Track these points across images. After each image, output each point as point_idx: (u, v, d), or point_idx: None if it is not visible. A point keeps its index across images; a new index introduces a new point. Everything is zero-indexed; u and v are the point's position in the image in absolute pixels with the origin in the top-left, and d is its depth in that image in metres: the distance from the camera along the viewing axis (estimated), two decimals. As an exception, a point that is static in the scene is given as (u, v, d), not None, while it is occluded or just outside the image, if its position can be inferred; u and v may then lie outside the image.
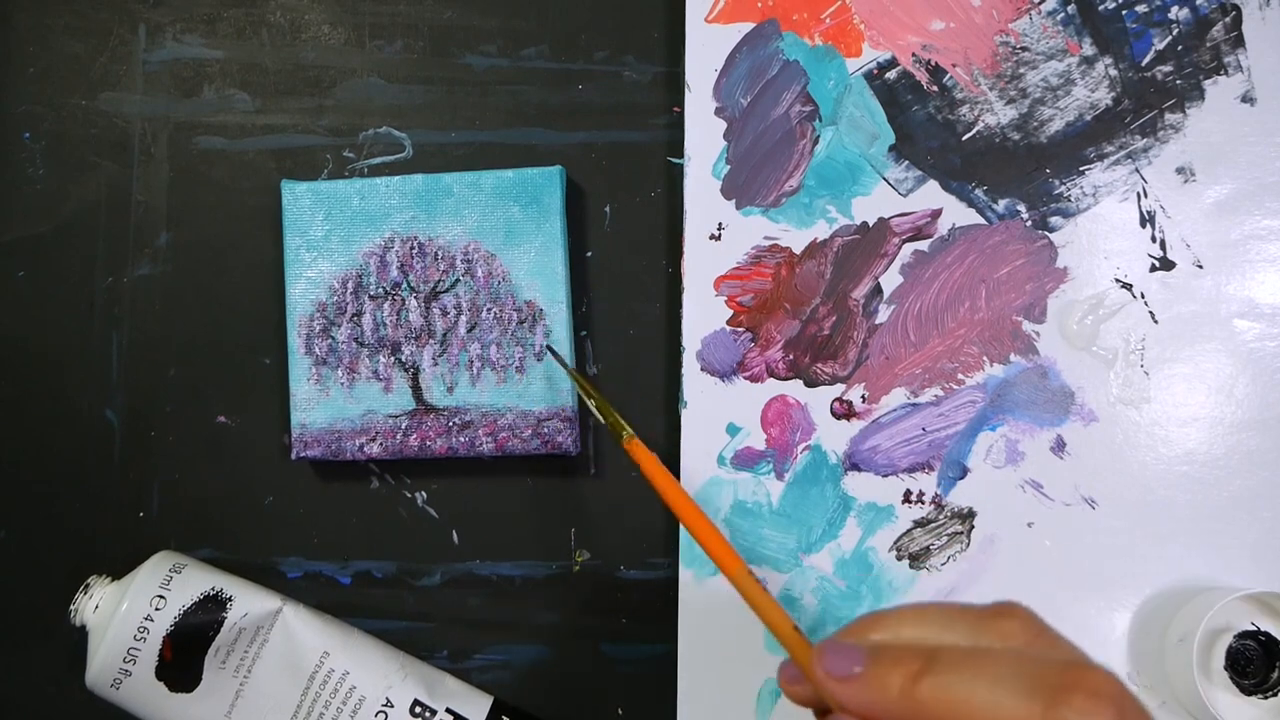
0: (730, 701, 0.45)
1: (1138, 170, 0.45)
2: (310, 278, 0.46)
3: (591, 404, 0.41)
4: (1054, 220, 0.46)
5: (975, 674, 0.24)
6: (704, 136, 0.47)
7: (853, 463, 0.46)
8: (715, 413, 0.46)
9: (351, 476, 0.48)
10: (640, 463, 0.38)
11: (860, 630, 0.28)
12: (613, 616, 0.47)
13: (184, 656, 0.43)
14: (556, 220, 0.46)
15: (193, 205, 0.49)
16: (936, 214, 0.46)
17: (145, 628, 0.42)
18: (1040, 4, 0.46)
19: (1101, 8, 0.46)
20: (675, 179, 0.48)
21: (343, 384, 0.46)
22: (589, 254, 0.48)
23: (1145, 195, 0.45)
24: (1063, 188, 0.46)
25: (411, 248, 0.46)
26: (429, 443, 0.46)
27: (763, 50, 0.47)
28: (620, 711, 0.47)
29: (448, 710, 0.44)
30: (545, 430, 0.46)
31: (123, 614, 0.42)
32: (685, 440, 0.46)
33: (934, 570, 0.45)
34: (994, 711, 0.24)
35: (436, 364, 0.46)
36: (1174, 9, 0.45)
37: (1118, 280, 0.45)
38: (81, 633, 0.44)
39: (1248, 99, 0.45)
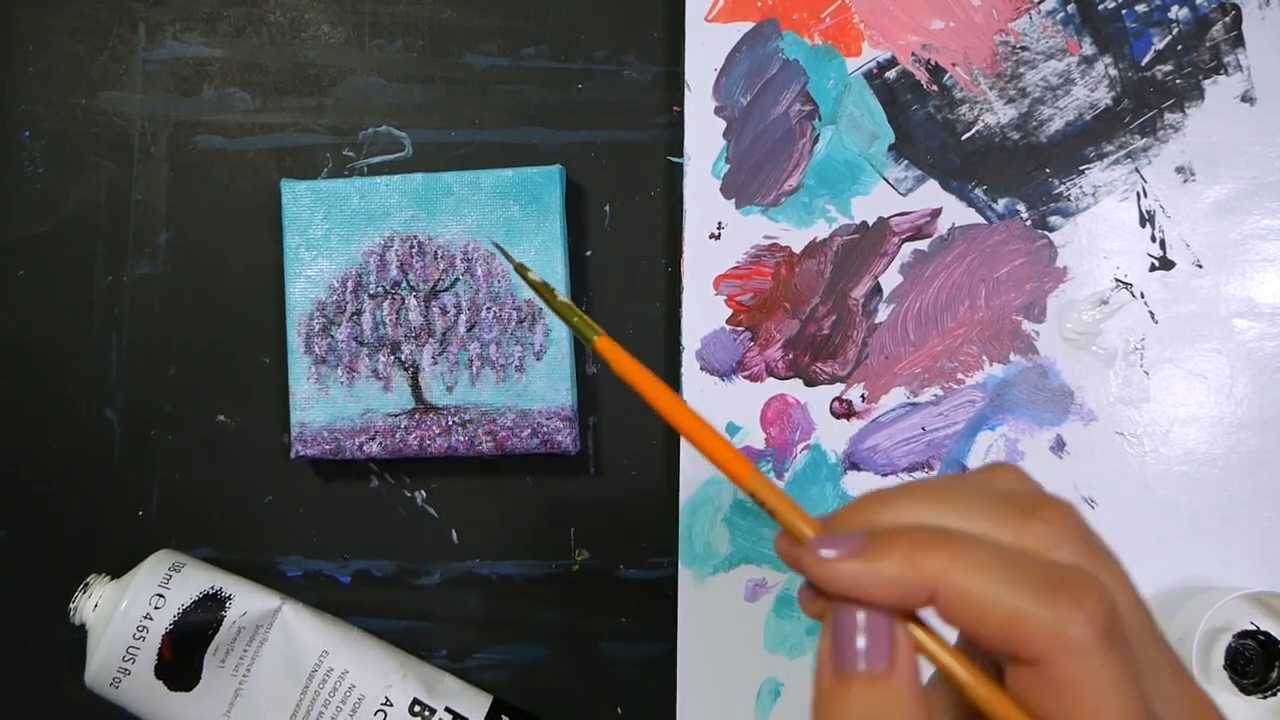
0: (730, 701, 0.45)
1: (1137, 170, 0.45)
2: (310, 277, 0.46)
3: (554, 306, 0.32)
4: (1054, 220, 0.46)
5: (981, 562, 0.22)
6: (704, 136, 0.47)
7: (852, 462, 0.46)
8: (715, 412, 0.46)
9: (351, 476, 0.48)
10: (613, 363, 0.29)
11: (861, 510, 0.24)
12: (613, 616, 0.47)
13: (183, 655, 0.43)
14: (556, 219, 0.46)
15: (192, 204, 0.49)
16: (936, 213, 0.46)
17: (144, 626, 0.42)
18: (1040, 3, 0.46)
19: (1101, 7, 0.46)
20: (675, 178, 0.48)
21: (342, 383, 0.46)
22: (589, 253, 0.48)
23: (1145, 195, 0.45)
24: (1062, 187, 0.46)
25: (411, 247, 0.46)
26: (428, 442, 0.46)
27: (762, 49, 0.47)
28: (620, 711, 0.47)
29: (447, 709, 0.44)
30: (545, 430, 0.46)
31: (122, 613, 0.42)
32: (685, 439, 0.46)
33: (933, 570, 0.45)
34: (996, 600, 0.22)
35: (436, 363, 0.46)
36: (1174, 8, 0.45)
37: (1117, 280, 0.45)
38: (81, 631, 0.44)
39: (1247, 99, 0.45)
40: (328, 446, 0.46)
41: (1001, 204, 0.46)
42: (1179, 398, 0.45)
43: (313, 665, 0.44)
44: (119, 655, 0.42)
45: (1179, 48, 0.45)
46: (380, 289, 0.46)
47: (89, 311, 0.49)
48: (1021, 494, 0.24)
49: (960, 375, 0.45)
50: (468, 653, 0.47)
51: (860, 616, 0.23)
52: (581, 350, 0.47)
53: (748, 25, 0.47)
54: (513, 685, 0.47)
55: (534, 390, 0.46)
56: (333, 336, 0.46)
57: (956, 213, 0.46)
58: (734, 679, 0.45)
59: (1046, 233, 0.46)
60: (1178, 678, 0.23)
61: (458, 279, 0.46)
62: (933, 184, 0.46)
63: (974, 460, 0.45)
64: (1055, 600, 0.21)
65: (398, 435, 0.46)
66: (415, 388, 0.46)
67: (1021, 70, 0.46)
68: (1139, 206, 0.45)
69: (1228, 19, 0.45)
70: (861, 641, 0.23)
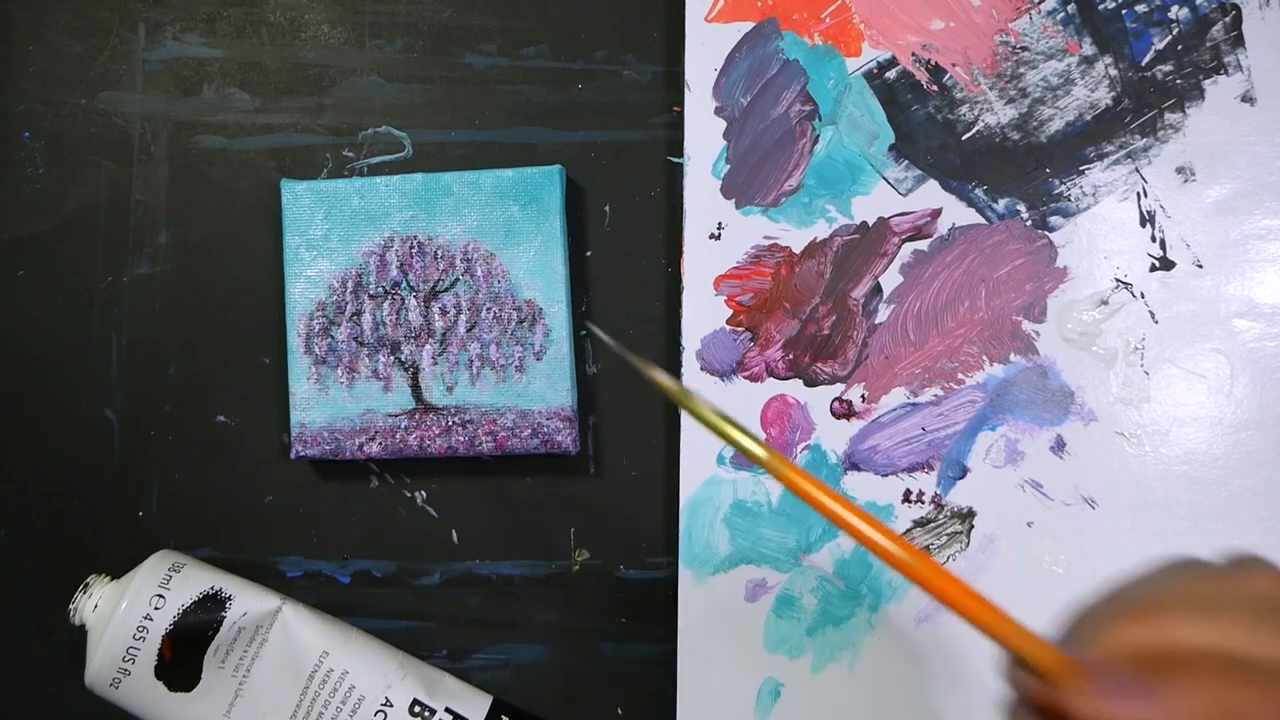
0: (730, 701, 0.45)
1: (1137, 170, 0.45)
2: (310, 277, 0.46)
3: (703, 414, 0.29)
4: (1054, 220, 0.46)
5: None
6: (704, 136, 0.47)
7: (852, 462, 0.46)
8: (715, 412, 0.46)
9: (351, 476, 0.48)
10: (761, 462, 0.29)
11: (1118, 633, 0.22)
12: (613, 616, 0.47)
13: (183, 655, 0.43)
14: (556, 219, 0.46)
15: (192, 204, 0.49)
16: (936, 213, 0.46)
17: (144, 627, 0.42)
18: (1040, 3, 0.46)
19: (1101, 7, 0.46)
20: (675, 178, 0.48)
21: (342, 383, 0.46)
22: (588, 253, 0.48)
23: (1145, 195, 0.45)
24: (1062, 187, 0.46)
25: (411, 247, 0.46)
26: (428, 442, 0.46)
27: (762, 50, 0.47)
28: (620, 711, 0.47)
29: (447, 710, 0.44)
30: (545, 430, 0.46)
31: (122, 613, 0.42)
32: (685, 439, 0.46)
33: (933, 570, 0.45)
34: None
35: (436, 363, 0.46)
36: (1174, 8, 0.45)
37: (1117, 280, 0.45)
38: (81, 632, 0.44)
39: (1248, 99, 0.45)
40: (328, 446, 0.46)
41: (1001, 204, 0.46)
42: (1179, 398, 0.45)
43: (313, 665, 0.44)
44: (119, 655, 0.42)
45: (1179, 48, 0.45)
46: (380, 289, 0.46)
47: (89, 311, 0.49)
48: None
49: (960, 375, 0.45)
50: (468, 653, 0.47)
51: None
52: (581, 350, 0.47)
53: (748, 25, 0.47)
54: (513, 685, 0.47)
55: (534, 390, 0.46)
56: (333, 337, 0.46)
57: (956, 213, 0.46)
58: (734, 679, 0.45)
59: (1046, 233, 0.46)
60: None
61: (458, 279, 0.46)
62: (933, 184, 0.46)
63: (974, 461, 0.45)
64: None
65: (398, 435, 0.46)
66: (415, 388, 0.46)
67: (1021, 70, 0.46)
68: (1139, 206, 0.45)
69: (1228, 19, 0.45)
70: None
